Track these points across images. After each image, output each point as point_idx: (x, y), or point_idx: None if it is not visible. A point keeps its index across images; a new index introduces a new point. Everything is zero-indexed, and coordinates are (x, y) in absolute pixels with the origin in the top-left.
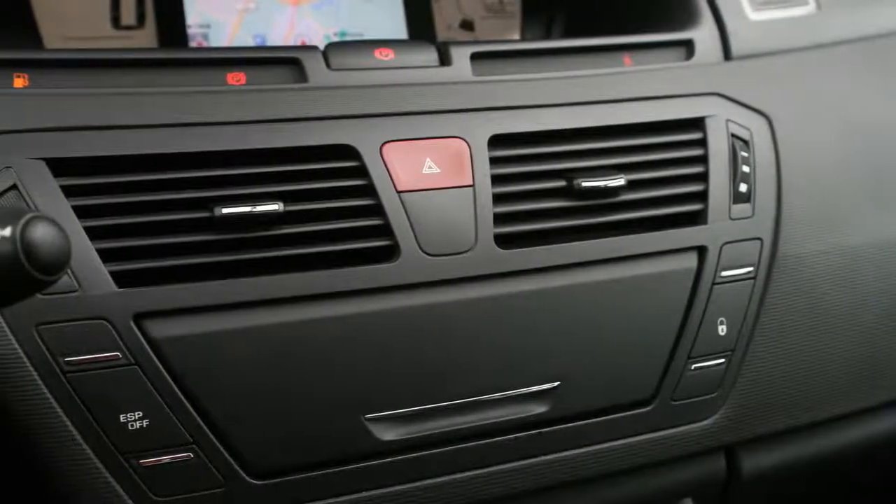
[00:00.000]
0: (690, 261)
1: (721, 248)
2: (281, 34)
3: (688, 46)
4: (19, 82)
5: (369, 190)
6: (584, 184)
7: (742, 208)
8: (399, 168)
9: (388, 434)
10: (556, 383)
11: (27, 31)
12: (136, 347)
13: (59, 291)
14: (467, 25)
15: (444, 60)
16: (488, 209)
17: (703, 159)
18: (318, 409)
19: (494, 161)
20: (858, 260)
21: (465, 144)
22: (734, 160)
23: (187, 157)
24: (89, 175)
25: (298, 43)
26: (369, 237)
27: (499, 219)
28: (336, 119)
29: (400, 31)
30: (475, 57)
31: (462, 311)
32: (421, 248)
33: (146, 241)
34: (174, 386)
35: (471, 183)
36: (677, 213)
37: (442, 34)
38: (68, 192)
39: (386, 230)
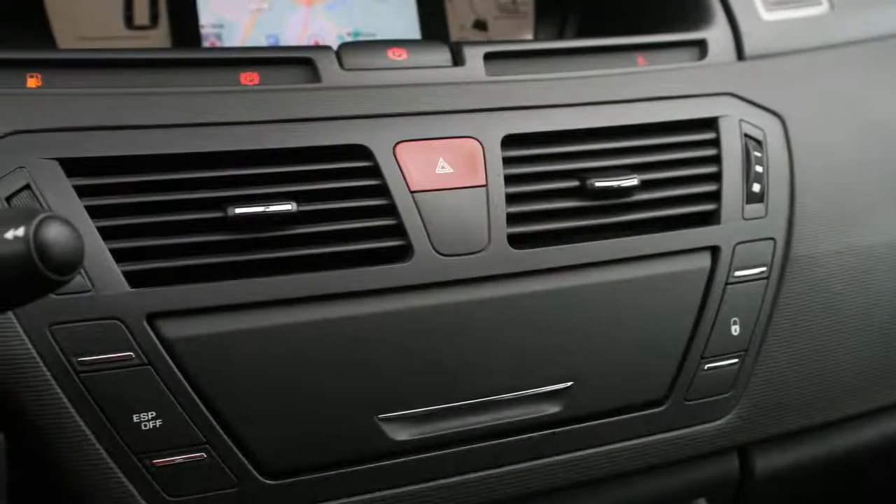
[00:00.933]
0: (703, 261)
1: (734, 248)
2: (294, 34)
3: (701, 46)
4: (32, 82)
5: (382, 190)
6: (598, 184)
7: (755, 208)
8: (412, 168)
9: (401, 434)
10: (569, 383)
11: (40, 30)
12: (149, 347)
13: (73, 291)
14: (480, 25)
15: (458, 60)
16: (501, 209)
17: (717, 159)
18: (331, 410)
19: (507, 161)
20: (872, 260)
21: (478, 144)
22: (747, 160)
23: (200, 157)
24: (102, 175)
25: (311, 43)
26: (382, 237)
27: (512, 219)
28: (349, 119)
29: (413, 31)
30: (488, 57)
31: (475, 311)
32: (434, 248)
33: (159, 241)
34: (187, 386)
35: (484, 183)
36: (690, 213)
37: (455, 34)
38: (81, 192)
39: (399, 230)
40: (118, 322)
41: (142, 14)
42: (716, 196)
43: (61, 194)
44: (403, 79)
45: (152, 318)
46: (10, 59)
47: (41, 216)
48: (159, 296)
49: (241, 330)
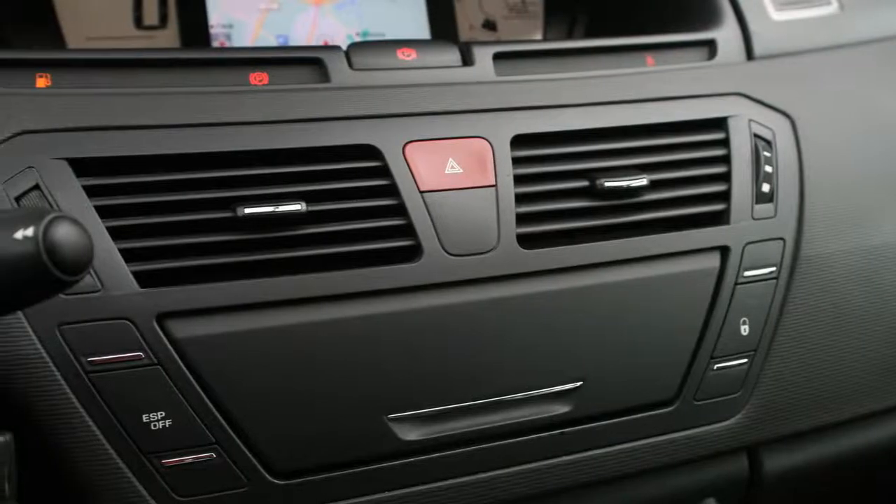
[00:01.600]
0: (713, 261)
1: (744, 248)
2: (303, 34)
3: (710, 46)
4: (42, 82)
5: (392, 190)
6: (607, 184)
7: (765, 208)
8: (421, 168)
9: (410, 434)
10: (578, 383)
11: (50, 31)
12: (158, 347)
13: (82, 291)
14: (490, 25)
15: (467, 60)
16: (511, 209)
17: (726, 159)
18: (341, 410)
19: (517, 161)
20: (882, 260)
21: (487, 144)
22: (757, 160)
23: (210, 158)
24: (111, 175)
25: (321, 43)
26: (392, 237)
27: (521, 219)
28: (358, 119)
29: (422, 31)
30: (498, 57)
31: (484, 312)
32: (443, 248)
33: (169, 241)
34: (197, 386)
35: (493, 183)
36: (700, 213)
37: (464, 34)
38: (90, 192)
39: (408, 230)
40: (128, 322)
41: (151, 14)
42: (725, 196)
43: (70, 194)
44: (413, 79)
45: (162, 318)
46: (19, 59)
47: (50, 216)
48: (169, 296)
49: (251, 330)
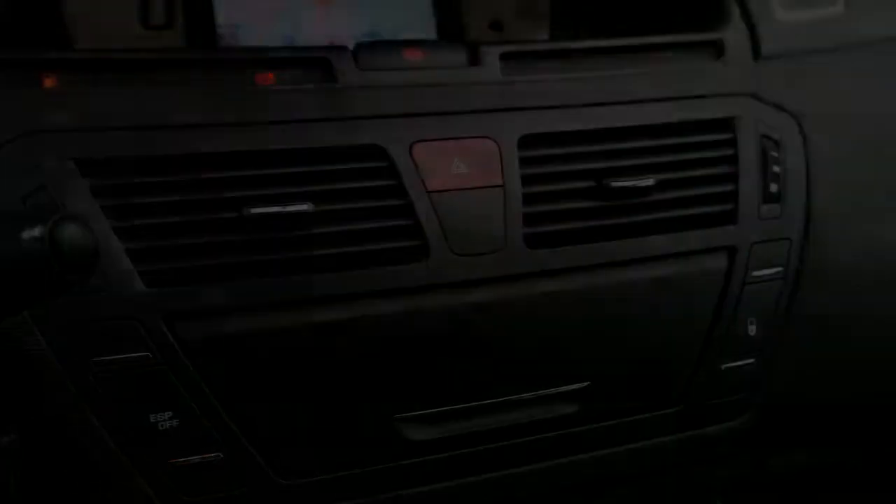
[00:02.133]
0: (720, 261)
1: (751, 248)
2: (310, 34)
3: (717, 47)
4: (48, 82)
5: (399, 190)
6: (614, 184)
7: (772, 208)
8: (429, 168)
9: (418, 434)
10: (585, 383)
11: (56, 30)
12: (165, 348)
13: (89, 291)
14: (497, 26)
15: (474, 60)
16: (518, 209)
17: (733, 159)
18: (348, 409)
19: (524, 161)
20: (889, 260)
21: (494, 145)
22: (764, 160)
23: (216, 158)
24: (118, 175)
25: (327, 43)
26: (399, 237)
27: (528, 219)
28: (365, 119)
29: (429, 31)
30: (505, 57)
31: (491, 312)
32: (451, 249)
33: (176, 242)
34: (204, 386)
35: (500, 183)
36: (707, 214)
37: (471, 34)
38: (97, 191)
39: (416, 230)
40: (135, 322)
41: (158, 14)
42: (732, 196)
43: (77, 194)
44: (420, 79)
45: (169, 318)
46: (25, 59)
47: (57, 216)
48: (176, 296)
49: (258, 330)
